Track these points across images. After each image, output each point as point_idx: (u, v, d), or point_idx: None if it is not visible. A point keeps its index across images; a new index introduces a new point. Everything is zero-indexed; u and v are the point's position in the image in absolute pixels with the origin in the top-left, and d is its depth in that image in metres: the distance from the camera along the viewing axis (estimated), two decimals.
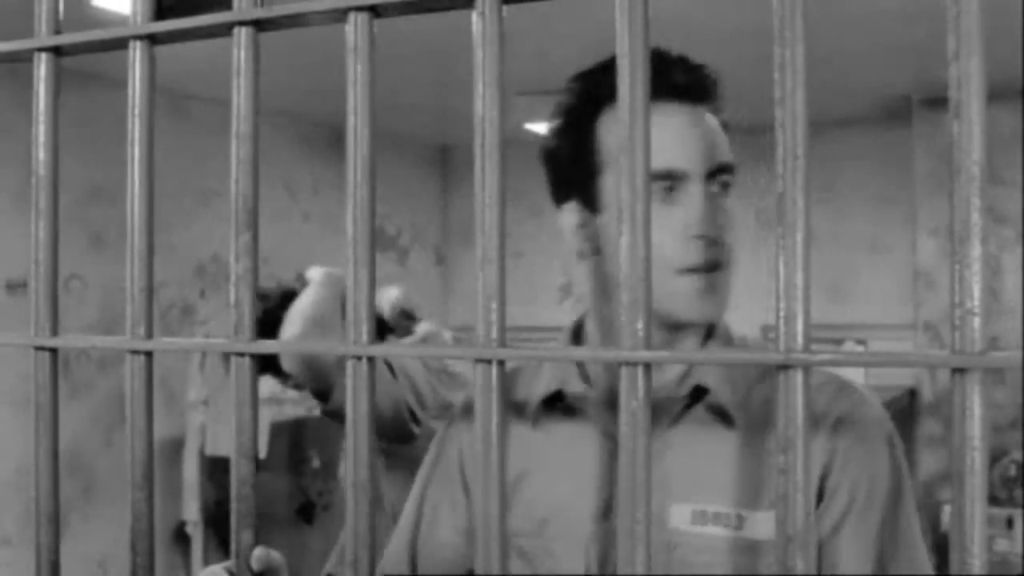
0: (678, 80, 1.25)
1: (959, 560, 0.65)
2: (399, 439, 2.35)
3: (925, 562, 1.29)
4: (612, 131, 1.25)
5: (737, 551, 1.24)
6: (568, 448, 1.34)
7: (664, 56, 1.24)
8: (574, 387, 1.35)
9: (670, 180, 1.23)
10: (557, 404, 1.35)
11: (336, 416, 2.33)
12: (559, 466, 1.33)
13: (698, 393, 1.29)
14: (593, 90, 1.29)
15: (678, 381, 1.29)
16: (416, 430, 2.39)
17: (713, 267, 1.26)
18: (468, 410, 1.44)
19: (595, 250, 1.31)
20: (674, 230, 1.23)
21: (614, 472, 1.29)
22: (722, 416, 1.28)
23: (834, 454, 1.23)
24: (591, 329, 1.40)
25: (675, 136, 1.23)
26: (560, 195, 1.34)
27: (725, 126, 1.32)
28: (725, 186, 1.30)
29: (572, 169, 1.31)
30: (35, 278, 0.94)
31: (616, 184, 1.22)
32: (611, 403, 1.32)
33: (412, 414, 2.36)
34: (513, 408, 1.40)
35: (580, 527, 1.31)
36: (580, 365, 1.37)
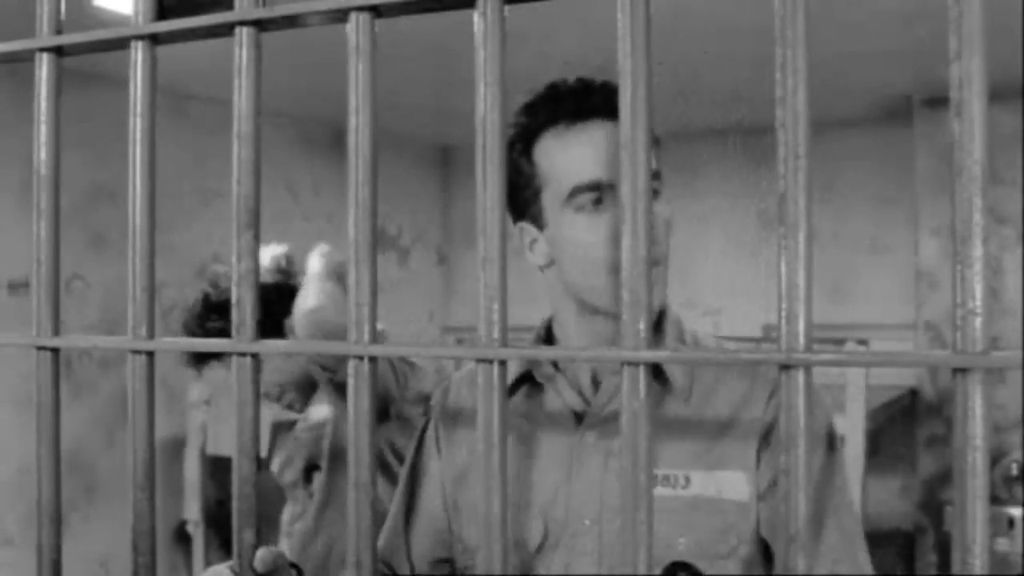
0: (600, 101, 1.40)
1: (961, 560, 0.65)
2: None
3: (857, 523, 1.41)
4: (547, 154, 1.42)
5: (688, 508, 1.37)
6: (532, 424, 1.48)
7: (588, 84, 1.42)
8: (545, 371, 1.51)
9: (598, 191, 1.37)
10: (524, 384, 1.51)
11: (343, 388, 2.42)
12: (521, 442, 1.48)
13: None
14: (530, 121, 1.45)
15: None
16: (392, 411, 2.54)
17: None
18: (443, 409, 1.61)
19: (549, 262, 1.46)
20: (606, 236, 1.36)
21: (573, 444, 1.45)
22: (665, 382, 1.42)
23: (775, 424, 1.36)
24: (557, 331, 1.54)
25: (600, 151, 1.38)
26: (514, 215, 1.49)
27: (656, 142, 1.44)
28: (653, 192, 1.40)
29: (518, 193, 1.45)
30: (37, 278, 0.94)
31: (551, 201, 1.39)
32: (577, 386, 1.49)
33: (387, 399, 2.49)
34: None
35: (541, 497, 1.45)
36: (555, 366, 1.53)
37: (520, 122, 1.45)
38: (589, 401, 1.46)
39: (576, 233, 1.39)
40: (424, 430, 1.62)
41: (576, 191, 1.37)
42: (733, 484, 1.37)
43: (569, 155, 1.40)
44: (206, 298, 2.82)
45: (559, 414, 1.48)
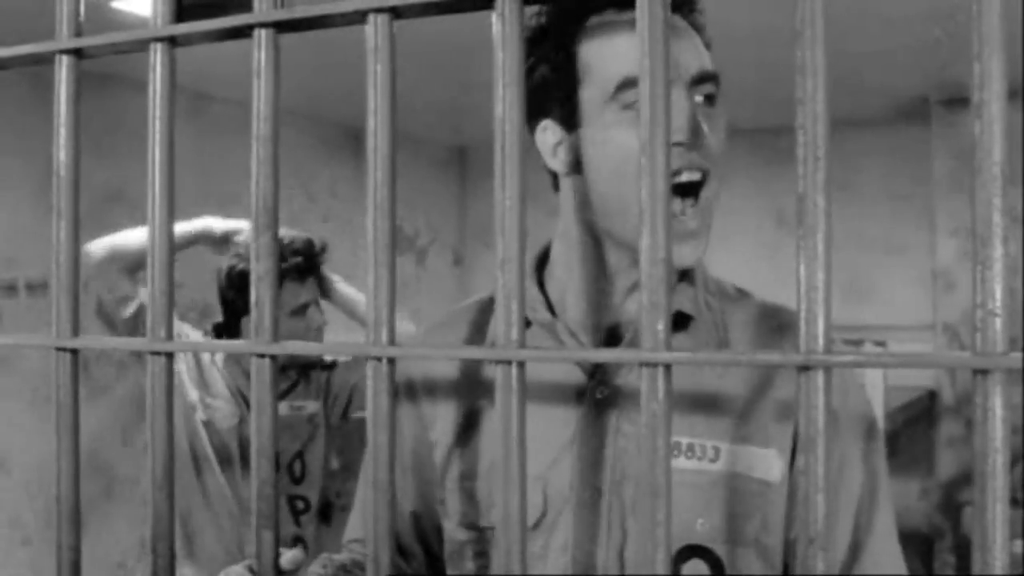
0: None
1: (981, 561, 0.64)
2: None
3: (898, 555, 1.30)
4: (591, 43, 1.26)
5: (713, 484, 1.24)
6: (531, 377, 1.26)
7: None
8: (541, 316, 1.35)
9: None
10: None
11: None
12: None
13: (679, 320, 1.30)
14: (564, 11, 1.29)
15: None
16: None
17: (694, 185, 1.24)
18: (409, 390, 1.44)
19: (573, 167, 1.30)
20: None
21: (581, 402, 1.30)
22: (702, 341, 1.30)
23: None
24: (557, 255, 1.38)
25: None
26: (535, 114, 1.32)
27: (708, 47, 1.30)
28: (710, 98, 1.27)
29: (549, 87, 1.29)
30: (56, 279, 0.94)
31: (592, 96, 1.24)
32: (582, 336, 1.34)
33: None
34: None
35: (538, 464, 1.27)
36: (544, 295, 1.37)
37: (554, 10, 1.30)
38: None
39: (619, 133, 1.22)
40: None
41: (626, 84, 1.21)
42: (764, 462, 1.24)
43: (617, 45, 1.24)
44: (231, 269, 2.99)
45: (560, 366, 1.32)
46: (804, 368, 0.68)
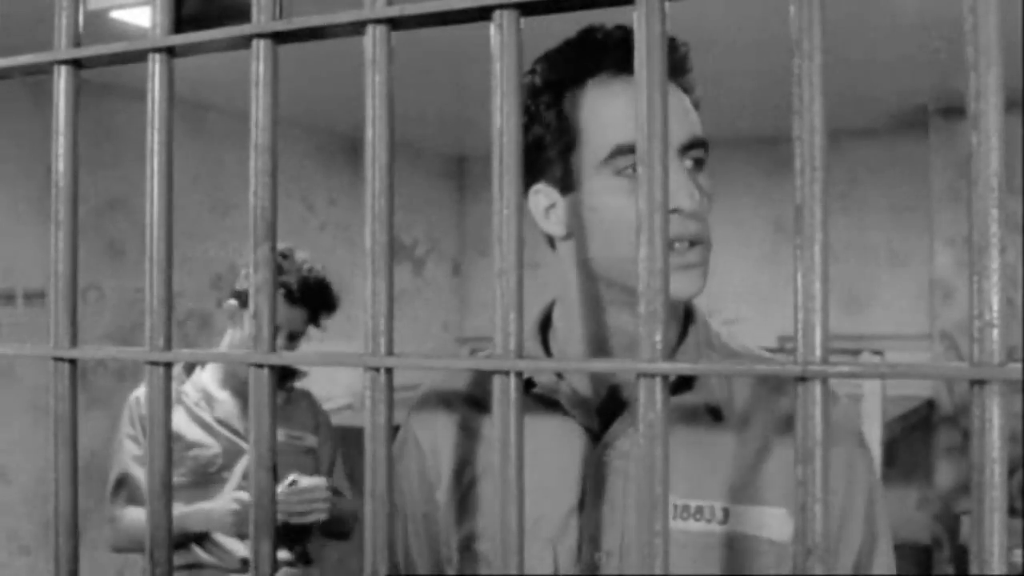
0: None
1: (978, 571, 0.64)
2: None
3: (892, 563, 1.31)
4: (584, 107, 1.25)
5: (721, 546, 1.23)
6: (536, 442, 1.24)
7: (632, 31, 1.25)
8: (546, 378, 1.33)
9: None
10: (527, 395, 1.31)
11: None
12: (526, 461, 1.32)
13: (684, 381, 1.28)
14: (558, 71, 1.28)
15: None
16: None
17: (690, 242, 1.24)
18: (426, 400, 1.45)
19: (566, 233, 1.30)
20: None
21: (587, 466, 1.29)
22: (709, 406, 1.28)
23: None
24: (559, 318, 1.38)
25: None
26: (528, 178, 1.30)
27: (696, 105, 1.31)
28: (699, 162, 1.28)
29: (541, 151, 1.28)
30: (54, 289, 0.94)
31: (584, 161, 1.24)
32: (587, 398, 1.33)
33: None
34: (476, 404, 1.39)
35: (549, 525, 1.29)
36: (550, 356, 1.38)
37: (548, 70, 1.28)
38: (600, 414, 1.31)
39: (612, 199, 1.22)
40: (405, 439, 1.45)
41: (618, 151, 1.21)
42: (774, 521, 1.22)
43: (612, 110, 1.23)
44: None
45: (566, 429, 1.31)
46: (802, 379, 0.68)
